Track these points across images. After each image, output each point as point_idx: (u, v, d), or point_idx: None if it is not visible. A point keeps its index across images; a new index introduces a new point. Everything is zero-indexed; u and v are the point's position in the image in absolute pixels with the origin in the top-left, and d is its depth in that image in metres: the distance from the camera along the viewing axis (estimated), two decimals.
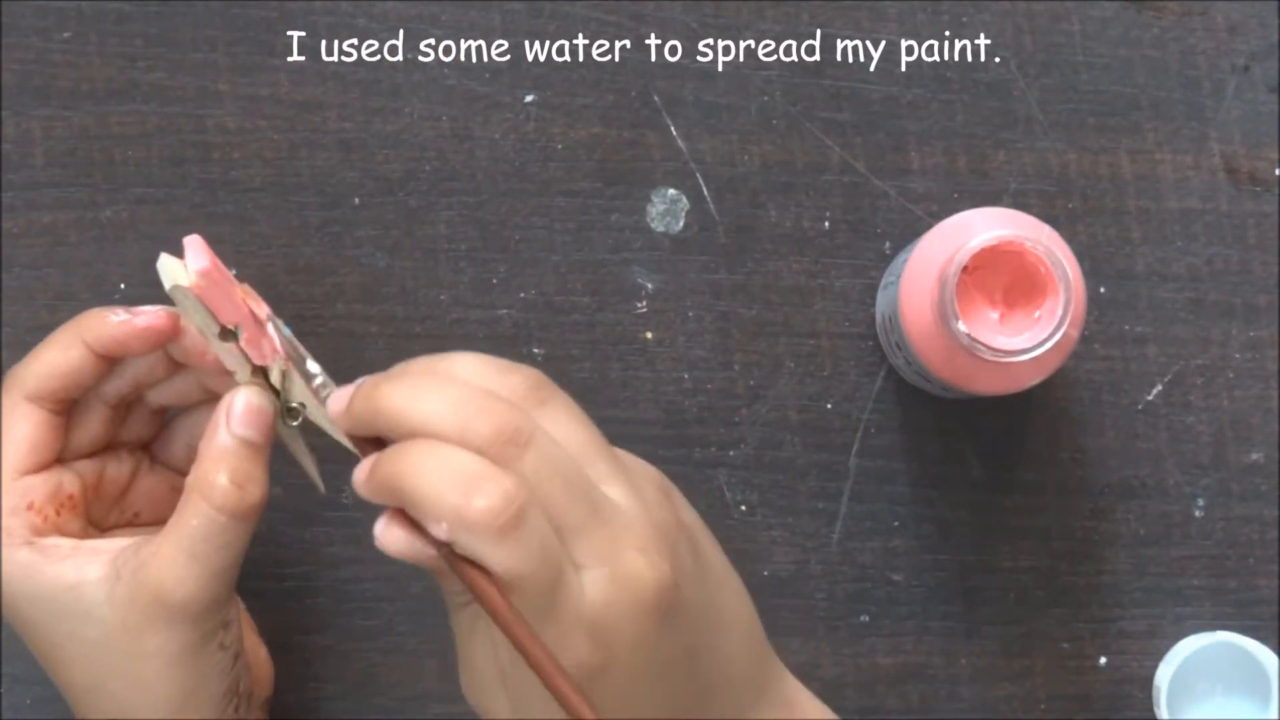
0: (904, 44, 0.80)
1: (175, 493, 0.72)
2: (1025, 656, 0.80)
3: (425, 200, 0.80)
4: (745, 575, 0.80)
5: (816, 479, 0.80)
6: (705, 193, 0.80)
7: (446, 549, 0.59)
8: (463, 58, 0.80)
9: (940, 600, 0.80)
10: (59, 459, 0.70)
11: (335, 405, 0.63)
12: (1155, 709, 0.79)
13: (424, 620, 0.79)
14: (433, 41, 0.80)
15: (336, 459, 0.79)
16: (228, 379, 0.69)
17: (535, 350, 0.80)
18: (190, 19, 0.79)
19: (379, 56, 0.80)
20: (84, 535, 0.70)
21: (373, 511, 0.79)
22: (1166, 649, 0.80)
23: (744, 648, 0.67)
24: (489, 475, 0.59)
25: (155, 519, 0.73)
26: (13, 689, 0.79)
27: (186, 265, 0.67)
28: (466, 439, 0.59)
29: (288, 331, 0.68)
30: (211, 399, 0.71)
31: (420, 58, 0.80)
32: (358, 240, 0.80)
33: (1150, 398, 0.80)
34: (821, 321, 0.80)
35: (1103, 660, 0.80)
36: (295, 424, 0.68)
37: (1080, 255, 0.78)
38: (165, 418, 0.74)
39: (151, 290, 0.79)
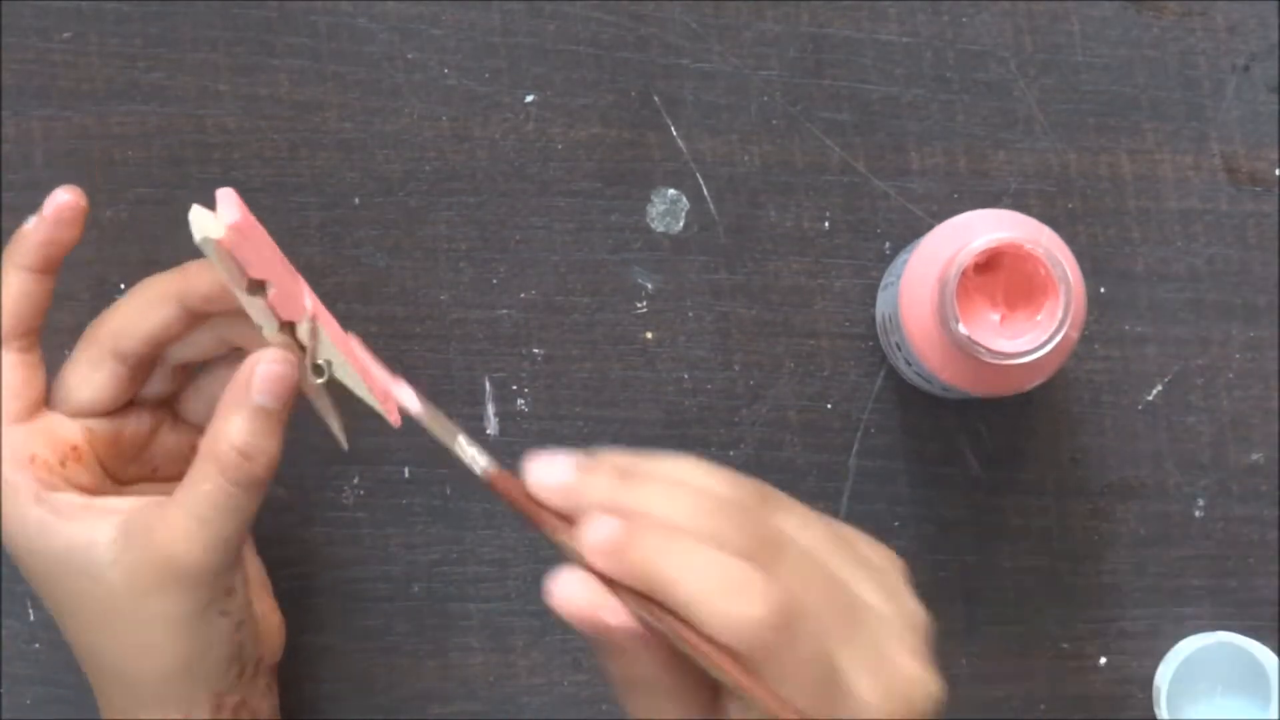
0: (904, 44, 0.80)
1: (196, 450, 0.73)
2: (1025, 656, 0.80)
3: (425, 200, 0.80)
4: None
5: (816, 479, 0.80)
6: (705, 193, 0.80)
7: (680, 626, 0.58)
8: (463, 58, 0.80)
9: (940, 600, 0.80)
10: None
11: (549, 485, 0.62)
12: (1155, 709, 0.79)
13: (424, 620, 0.79)
14: (433, 41, 0.80)
15: (339, 461, 0.79)
16: (249, 331, 0.68)
17: (535, 350, 0.80)
18: (190, 19, 0.79)
19: (379, 56, 0.80)
20: (97, 488, 0.70)
21: (374, 513, 0.79)
22: (1166, 649, 0.80)
23: None
24: (757, 580, 0.58)
25: (175, 474, 0.73)
26: (13, 689, 0.79)
27: (217, 217, 0.66)
28: (721, 549, 0.59)
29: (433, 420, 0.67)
30: (234, 354, 0.71)
31: (420, 58, 0.80)
32: (358, 240, 0.80)
33: (1150, 398, 0.80)
34: (821, 321, 0.80)
35: (1103, 660, 0.80)
36: (321, 381, 0.68)
37: (1080, 255, 0.78)
38: (189, 374, 0.73)
39: None
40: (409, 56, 0.80)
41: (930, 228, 0.75)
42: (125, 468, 0.72)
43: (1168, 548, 0.80)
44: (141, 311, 0.70)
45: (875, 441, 0.80)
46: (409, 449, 0.79)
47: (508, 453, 0.79)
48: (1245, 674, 0.79)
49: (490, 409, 0.79)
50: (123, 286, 0.79)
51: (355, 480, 0.79)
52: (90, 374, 0.70)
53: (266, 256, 0.67)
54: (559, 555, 0.61)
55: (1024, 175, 0.80)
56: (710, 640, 0.58)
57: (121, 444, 0.72)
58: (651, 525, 0.59)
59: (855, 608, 0.60)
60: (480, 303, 0.80)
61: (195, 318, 0.70)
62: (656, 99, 0.80)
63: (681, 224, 0.80)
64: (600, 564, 0.59)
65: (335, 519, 0.79)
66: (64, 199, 0.69)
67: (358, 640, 0.80)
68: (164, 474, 0.73)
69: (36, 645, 0.79)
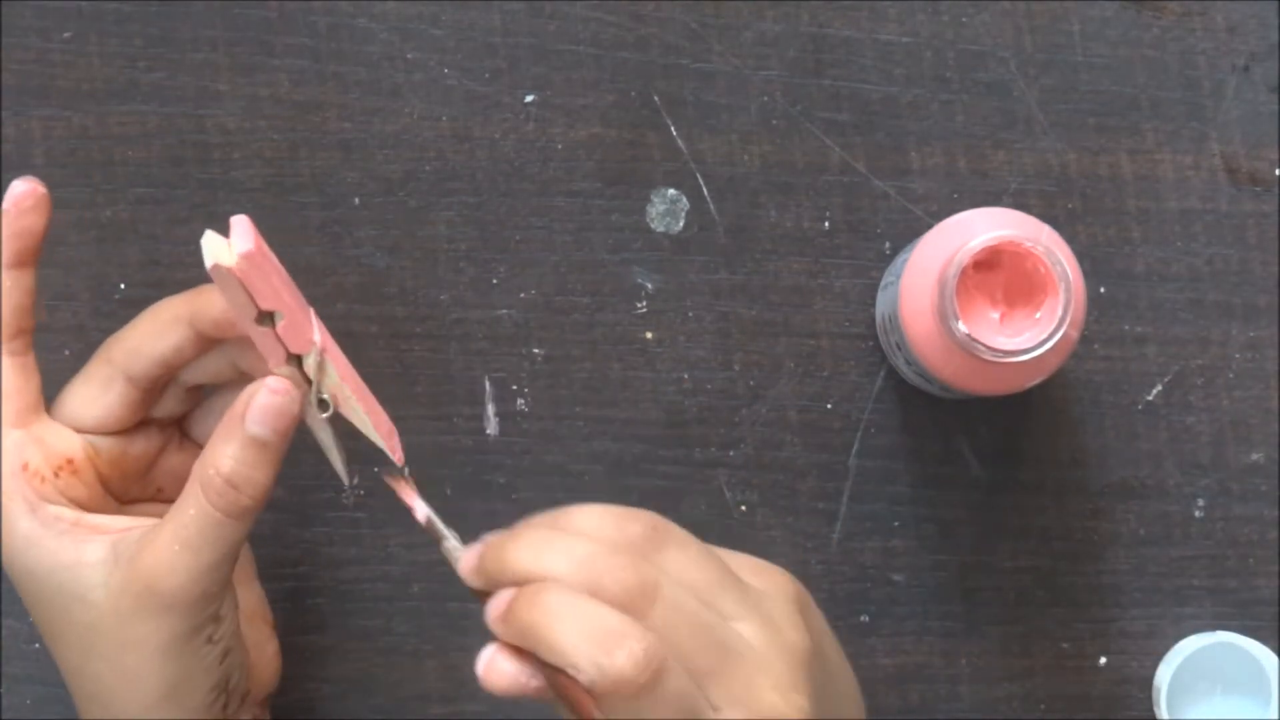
0: (904, 44, 0.80)
1: None
2: (1025, 656, 0.80)
3: (425, 200, 0.80)
4: None
5: (816, 479, 0.80)
6: (705, 193, 0.80)
7: (561, 677, 0.61)
8: (463, 58, 0.80)
9: (940, 600, 0.80)
10: (79, 429, 0.70)
11: (466, 565, 0.65)
12: (1155, 709, 0.79)
13: (424, 620, 0.79)
14: (433, 41, 0.80)
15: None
16: (259, 358, 0.68)
17: (535, 350, 0.80)
18: (190, 19, 0.79)
19: (379, 56, 0.80)
20: (93, 504, 0.69)
21: (374, 513, 0.79)
22: (1166, 649, 0.80)
23: None
24: (628, 632, 0.60)
25: (177, 495, 0.72)
26: (13, 689, 0.79)
27: (230, 245, 0.66)
28: (597, 595, 0.61)
29: (428, 512, 0.69)
30: (244, 378, 0.70)
31: (420, 58, 0.80)
32: (358, 240, 0.80)
33: (1150, 398, 0.80)
34: (821, 321, 0.80)
35: (1103, 660, 0.80)
36: (325, 415, 0.68)
37: (1080, 255, 0.78)
38: (201, 394, 0.73)
39: (151, 291, 0.79)
40: (409, 56, 0.80)
41: (930, 227, 0.75)
42: (129, 487, 0.71)
43: (1168, 548, 0.80)
44: (154, 334, 0.69)
45: (875, 441, 0.80)
46: (407, 449, 0.79)
47: (508, 453, 0.80)
48: (1245, 674, 0.79)
49: (490, 409, 0.79)
50: (123, 286, 0.79)
51: (355, 480, 0.79)
52: (101, 394, 0.69)
53: (277, 286, 0.66)
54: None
55: (1024, 175, 0.80)
56: (587, 692, 0.60)
57: (127, 463, 0.71)
58: (534, 587, 0.62)
59: (727, 645, 0.61)
60: (480, 303, 0.80)
61: (207, 342, 0.69)
62: (656, 99, 0.80)
63: (681, 224, 0.80)
64: (498, 633, 0.63)
65: (335, 519, 0.79)
66: (20, 189, 0.68)
67: (358, 640, 0.79)
68: (167, 494, 0.72)
69: (36, 645, 0.79)
